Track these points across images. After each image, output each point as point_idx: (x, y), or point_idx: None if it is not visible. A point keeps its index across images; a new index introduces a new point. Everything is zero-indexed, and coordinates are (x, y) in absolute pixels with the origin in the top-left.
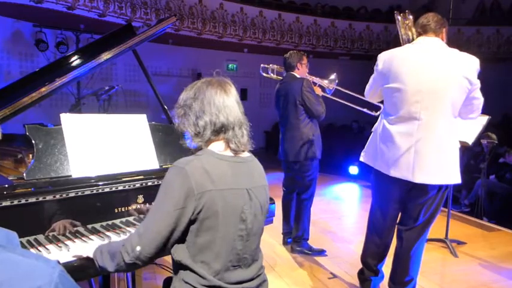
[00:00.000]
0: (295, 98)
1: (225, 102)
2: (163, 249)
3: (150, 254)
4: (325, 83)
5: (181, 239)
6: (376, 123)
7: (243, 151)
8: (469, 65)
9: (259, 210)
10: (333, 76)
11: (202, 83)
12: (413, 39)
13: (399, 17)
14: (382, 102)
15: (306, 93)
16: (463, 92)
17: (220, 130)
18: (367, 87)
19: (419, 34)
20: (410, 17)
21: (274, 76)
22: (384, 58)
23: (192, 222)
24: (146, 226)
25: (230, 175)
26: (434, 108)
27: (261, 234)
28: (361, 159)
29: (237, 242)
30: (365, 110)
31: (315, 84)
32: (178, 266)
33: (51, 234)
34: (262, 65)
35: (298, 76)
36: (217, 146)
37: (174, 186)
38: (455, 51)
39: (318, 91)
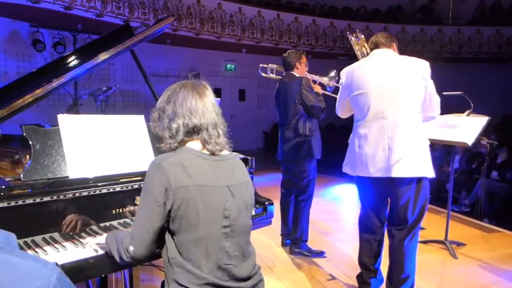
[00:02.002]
0: (294, 97)
1: (198, 104)
2: (157, 246)
3: (144, 252)
4: (325, 80)
5: (170, 238)
6: (351, 136)
7: (221, 150)
8: (422, 66)
9: (244, 206)
10: (332, 73)
11: (176, 86)
12: (367, 54)
13: (352, 37)
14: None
15: (305, 92)
16: (421, 89)
17: (193, 131)
18: (337, 104)
19: (372, 49)
20: (362, 36)
21: (273, 76)
22: (346, 72)
23: (172, 219)
24: (135, 226)
25: (209, 172)
26: (398, 106)
27: (248, 231)
28: (343, 170)
29: (223, 239)
30: None
31: (314, 82)
32: (170, 266)
33: (48, 235)
34: (261, 65)
35: (297, 75)
36: (194, 145)
37: (153, 183)
38: (406, 56)
39: (318, 89)
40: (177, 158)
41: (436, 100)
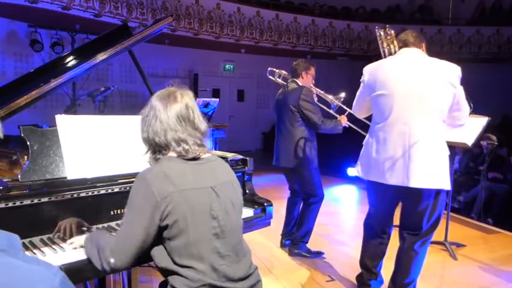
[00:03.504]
0: (292, 105)
1: (158, 119)
2: (138, 257)
3: (125, 263)
4: (329, 97)
5: (159, 246)
6: (366, 137)
7: (199, 155)
8: (451, 71)
9: (230, 206)
10: (342, 94)
11: (153, 97)
12: (395, 52)
13: (381, 32)
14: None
15: (304, 102)
16: (448, 96)
17: (156, 147)
18: (355, 102)
19: (400, 48)
20: (392, 31)
21: (279, 81)
22: (369, 70)
23: (163, 228)
24: (118, 238)
25: (191, 175)
26: (422, 113)
27: (239, 230)
28: (355, 173)
29: (213, 240)
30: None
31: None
32: (165, 273)
33: (46, 236)
34: (269, 68)
35: (300, 84)
36: (173, 154)
37: (139, 197)
38: (436, 59)
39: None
40: (160, 168)
41: (465, 108)
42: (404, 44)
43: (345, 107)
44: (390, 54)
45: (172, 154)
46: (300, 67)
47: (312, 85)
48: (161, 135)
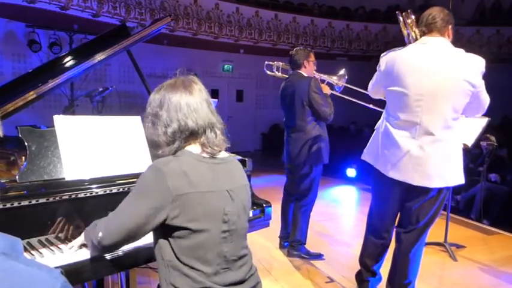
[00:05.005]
0: (302, 99)
1: (191, 105)
2: (125, 243)
3: (111, 243)
4: (334, 79)
5: (165, 239)
6: (379, 121)
7: (220, 151)
8: (472, 67)
9: (242, 210)
10: (341, 72)
11: (166, 87)
12: (416, 39)
13: (401, 17)
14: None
15: (313, 94)
16: (465, 96)
17: (190, 135)
18: (371, 83)
19: (423, 33)
20: (413, 16)
21: (278, 74)
22: (387, 59)
23: (171, 226)
24: (114, 217)
25: (210, 177)
26: (435, 113)
27: (245, 233)
28: (363, 157)
29: (222, 244)
30: (371, 106)
31: (323, 81)
32: (166, 268)
33: (44, 237)
34: (266, 62)
35: (305, 75)
36: (194, 148)
37: (150, 186)
38: (460, 52)
39: (327, 89)
40: (178, 163)
41: (484, 102)
42: (428, 29)
43: (350, 86)
44: (409, 42)
45: (194, 148)
46: (300, 57)
47: (314, 72)
48: (195, 121)
